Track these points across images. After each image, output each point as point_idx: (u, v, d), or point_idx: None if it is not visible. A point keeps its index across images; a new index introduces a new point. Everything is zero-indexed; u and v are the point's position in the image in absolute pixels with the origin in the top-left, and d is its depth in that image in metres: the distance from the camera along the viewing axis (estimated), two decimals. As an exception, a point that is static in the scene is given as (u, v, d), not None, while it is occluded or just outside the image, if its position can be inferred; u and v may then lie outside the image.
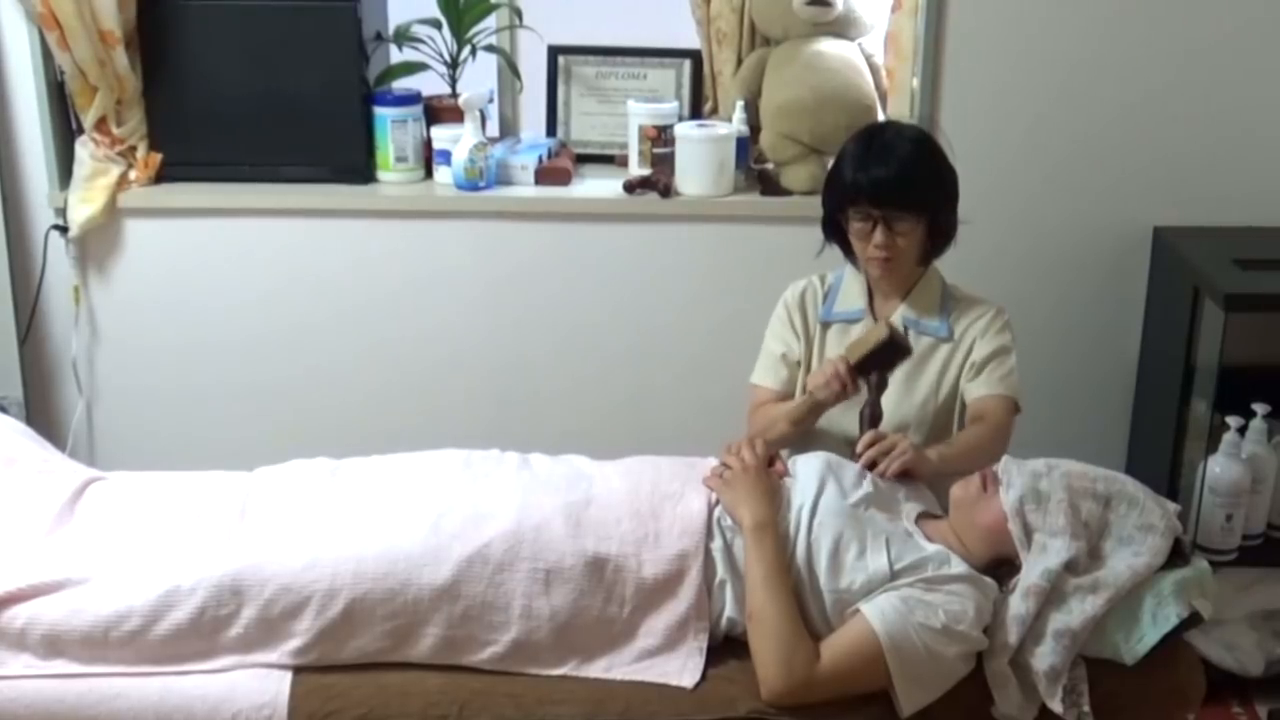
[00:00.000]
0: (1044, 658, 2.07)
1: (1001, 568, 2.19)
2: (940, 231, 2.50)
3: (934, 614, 2.05)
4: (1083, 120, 3.20)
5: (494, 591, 2.13)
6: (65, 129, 3.27)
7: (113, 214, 3.26)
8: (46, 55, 3.17)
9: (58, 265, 3.32)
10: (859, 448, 2.33)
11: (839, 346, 2.53)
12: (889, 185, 2.40)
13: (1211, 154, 3.21)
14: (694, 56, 3.41)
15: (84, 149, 3.22)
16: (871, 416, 2.44)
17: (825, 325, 2.60)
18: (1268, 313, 3.00)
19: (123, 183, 3.26)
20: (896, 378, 2.47)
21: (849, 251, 2.56)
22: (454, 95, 3.34)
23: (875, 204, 2.42)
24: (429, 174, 3.34)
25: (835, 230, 2.55)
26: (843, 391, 2.40)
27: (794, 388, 2.60)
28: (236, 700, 2.07)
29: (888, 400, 2.47)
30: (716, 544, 2.21)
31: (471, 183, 3.24)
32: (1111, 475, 2.21)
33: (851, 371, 2.39)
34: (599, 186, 3.33)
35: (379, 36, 3.37)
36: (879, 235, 2.44)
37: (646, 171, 3.30)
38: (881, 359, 2.39)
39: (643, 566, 2.17)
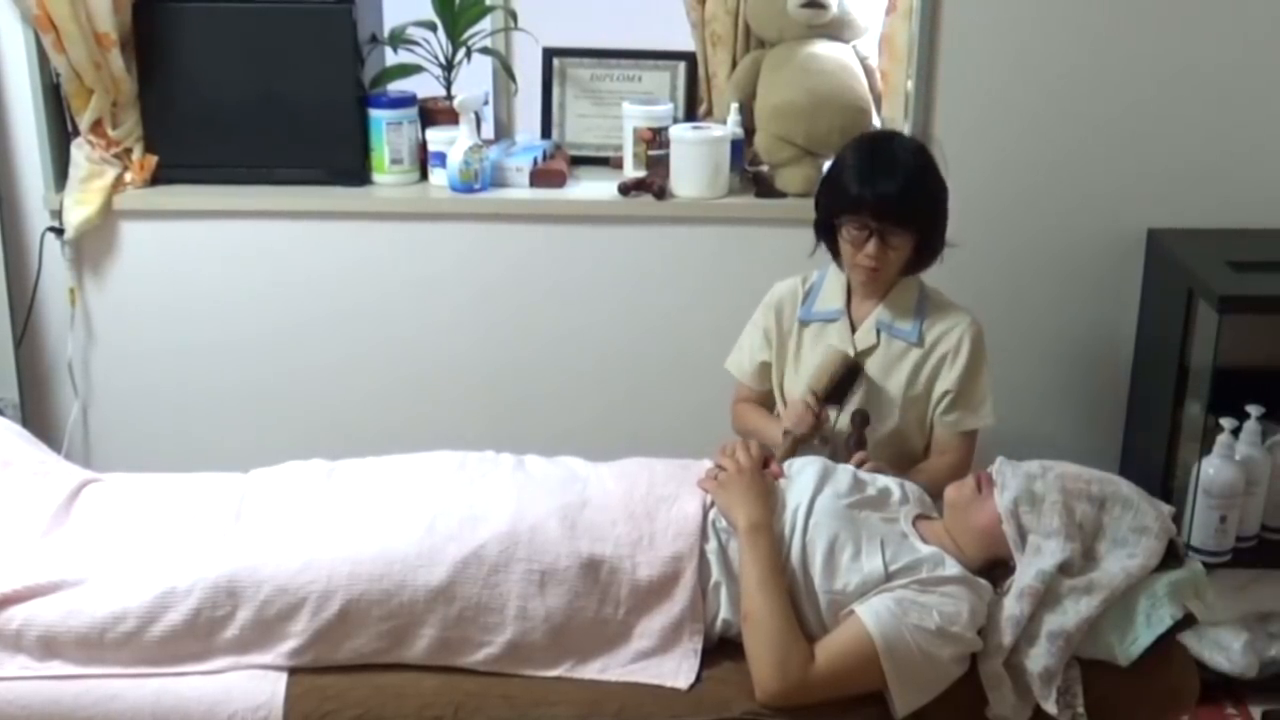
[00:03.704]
0: (1038, 659, 2.07)
1: (996, 569, 2.20)
2: (928, 248, 2.55)
3: (928, 615, 2.05)
4: (1077, 122, 3.20)
5: (489, 593, 2.13)
6: (61, 131, 3.27)
7: (108, 216, 3.26)
8: (42, 57, 3.17)
9: (53, 267, 3.31)
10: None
11: (815, 345, 2.61)
12: (892, 201, 2.45)
13: (1206, 156, 3.21)
14: (689, 59, 3.41)
15: (79, 151, 3.22)
16: (858, 444, 2.54)
17: (803, 324, 2.65)
18: (1262, 314, 3.00)
19: (118, 185, 3.26)
20: (868, 381, 2.57)
21: (836, 253, 2.60)
22: (449, 97, 3.34)
23: (876, 218, 2.47)
24: (424, 176, 3.34)
25: (827, 231, 2.59)
26: (816, 423, 2.51)
27: (762, 383, 2.70)
28: (232, 701, 2.07)
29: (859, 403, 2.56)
30: (711, 546, 2.21)
31: (466, 185, 3.24)
32: (1106, 477, 2.21)
33: (820, 403, 2.52)
34: (594, 188, 3.33)
35: (374, 39, 3.37)
36: (871, 247, 2.48)
37: (641, 173, 3.30)
38: (845, 381, 2.54)
39: (638, 568, 2.17)
